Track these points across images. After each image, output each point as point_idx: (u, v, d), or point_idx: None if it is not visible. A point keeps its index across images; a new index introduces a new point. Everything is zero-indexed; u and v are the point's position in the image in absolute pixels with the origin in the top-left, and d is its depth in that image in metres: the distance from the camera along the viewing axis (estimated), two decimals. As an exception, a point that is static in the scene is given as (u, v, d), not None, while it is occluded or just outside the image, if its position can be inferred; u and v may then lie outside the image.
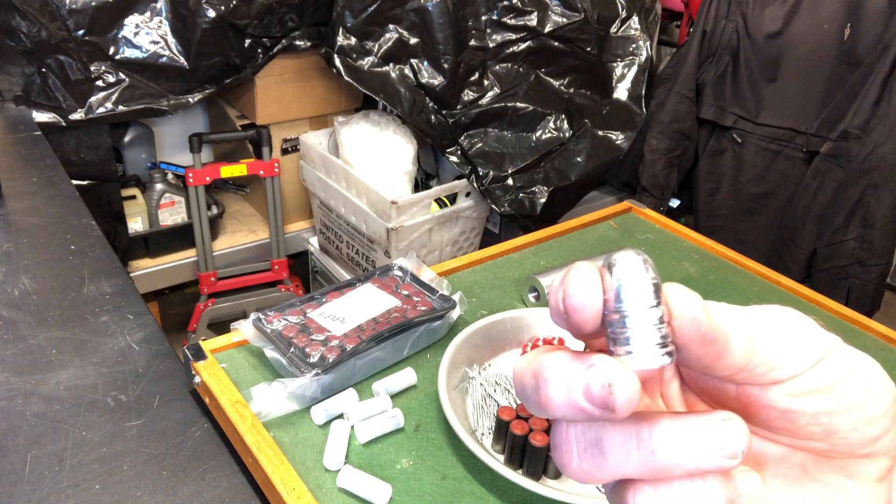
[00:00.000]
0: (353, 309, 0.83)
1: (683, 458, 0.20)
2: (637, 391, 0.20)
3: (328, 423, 0.72)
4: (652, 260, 0.21)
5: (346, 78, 1.78)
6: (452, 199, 1.87)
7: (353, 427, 0.71)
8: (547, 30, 1.92)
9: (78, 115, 1.60)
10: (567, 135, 1.97)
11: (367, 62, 1.81)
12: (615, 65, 2.08)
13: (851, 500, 0.23)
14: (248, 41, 1.78)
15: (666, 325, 0.21)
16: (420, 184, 2.06)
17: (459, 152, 1.86)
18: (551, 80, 2.00)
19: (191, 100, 1.74)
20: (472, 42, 1.86)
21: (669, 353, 0.21)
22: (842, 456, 0.23)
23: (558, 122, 1.97)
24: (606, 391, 0.20)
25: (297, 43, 1.86)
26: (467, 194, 1.87)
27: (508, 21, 1.90)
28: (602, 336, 0.22)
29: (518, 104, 1.92)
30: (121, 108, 1.64)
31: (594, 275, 0.21)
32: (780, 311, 0.23)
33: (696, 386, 0.25)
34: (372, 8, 1.76)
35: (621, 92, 2.08)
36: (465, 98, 1.88)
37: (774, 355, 0.22)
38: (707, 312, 0.21)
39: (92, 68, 1.61)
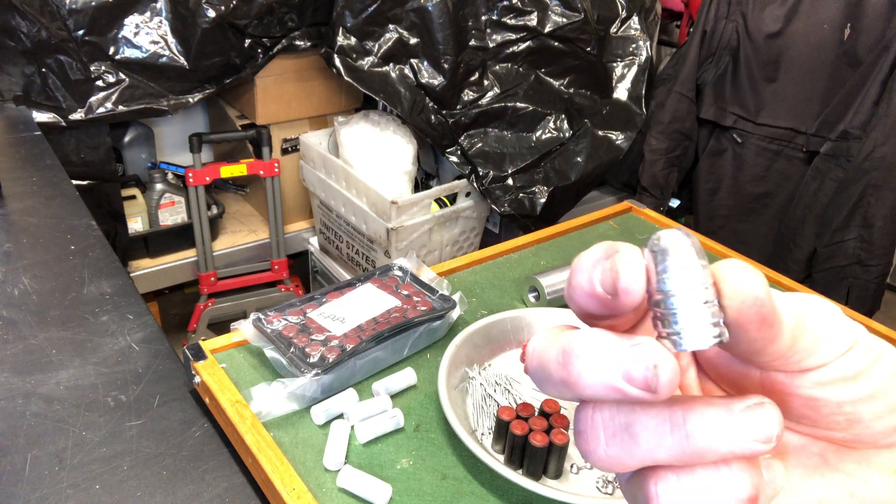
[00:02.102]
0: (353, 309, 0.83)
1: (718, 441, 0.20)
2: (678, 373, 0.19)
3: (328, 423, 0.72)
4: (697, 240, 0.21)
5: (346, 78, 1.78)
6: (452, 199, 1.87)
7: (353, 427, 0.71)
8: (547, 30, 1.92)
9: (78, 115, 1.60)
10: (567, 135, 1.97)
11: (367, 62, 1.81)
12: (615, 65, 2.08)
13: (873, 491, 0.23)
14: (248, 41, 1.78)
15: (715, 304, 0.20)
16: (420, 184, 2.06)
17: (459, 152, 1.86)
18: (551, 80, 2.00)
19: (191, 100, 1.74)
20: (472, 42, 1.86)
21: (720, 334, 0.20)
22: (864, 446, 0.23)
23: (558, 122, 1.97)
24: (651, 372, 0.19)
25: (297, 43, 1.86)
26: (467, 194, 1.87)
27: (508, 21, 1.90)
28: (606, 319, 0.22)
29: (518, 104, 1.92)
30: (121, 108, 1.64)
31: (640, 256, 0.21)
32: (811, 298, 0.23)
33: (715, 373, 0.25)
34: (372, 8, 1.76)
35: (621, 92, 2.08)
36: (465, 98, 1.88)
37: (812, 342, 0.21)
38: (769, 292, 0.20)
39: (92, 68, 1.61)
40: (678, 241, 0.20)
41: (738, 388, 0.24)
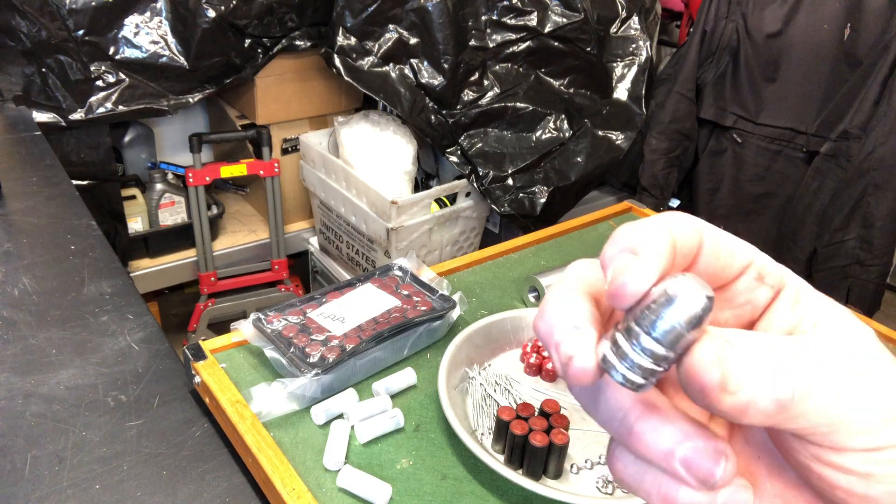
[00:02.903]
0: (353, 309, 0.83)
1: (653, 449, 0.20)
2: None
3: (328, 423, 0.72)
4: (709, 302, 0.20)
5: (346, 78, 1.78)
6: (452, 199, 1.87)
7: (353, 427, 0.71)
8: (547, 30, 1.92)
9: (78, 115, 1.60)
10: (567, 135, 1.97)
11: (367, 62, 1.81)
12: (615, 65, 2.08)
13: None
14: (248, 41, 1.78)
15: (667, 364, 0.20)
16: (420, 184, 2.06)
17: (459, 152, 1.86)
18: (551, 80, 2.00)
19: (191, 100, 1.74)
20: (472, 42, 1.86)
21: (640, 387, 0.20)
22: None
23: (558, 122, 1.97)
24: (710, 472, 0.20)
25: (297, 43, 1.86)
26: (467, 194, 1.86)
27: (508, 21, 1.90)
28: None
29: (518, 104, 1.92)
30: (121, 108, 1.64)
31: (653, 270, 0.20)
32: (847, 341, 0.21)
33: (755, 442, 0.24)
34: (372, 8, 1.76)
35: (621, 92, 2.08)
36: (465, 98, 1.88)
37: (835, 414, 0.19)
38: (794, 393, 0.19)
39: (92, 68, 1.61)
40: (689, 298, 0.20)
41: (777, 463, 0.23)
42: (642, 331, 0.20)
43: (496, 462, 0.65)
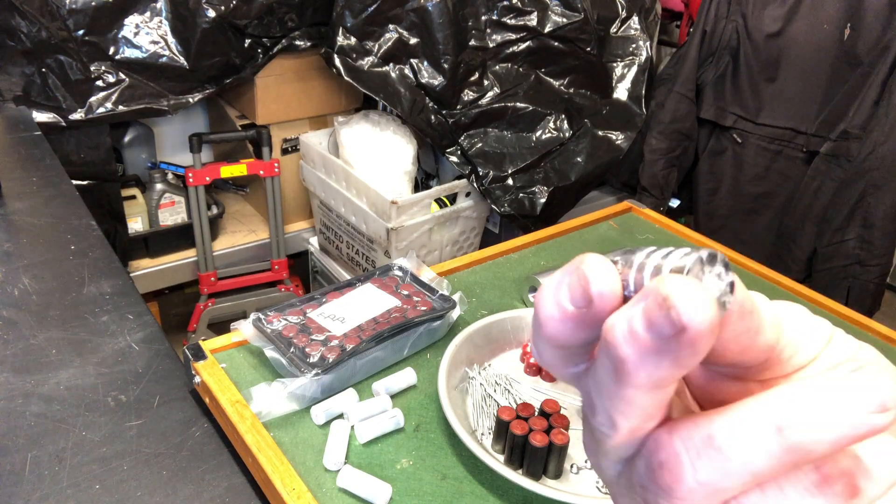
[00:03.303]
0: (353, 309, 0.83)
1: (825, 429, 0.16)
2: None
3: (328, 423, 0.72)
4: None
5: (346, 78, 1.78)
6: (452, 199, 1.87)
7: (353, 427, 0.71)
8: (547, 30, 1.92)
9: (78, 115, 1.60)
10: (567, 135, 1.97)
11: (367, 62, 1.81)
12: (615, 65, 2.08)
13: None
14: (248, 41, 1.78)
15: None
16: (420, 184, 2.06)
17: (459, 152, 1.86)
18: (551, 80, 2.00)
19: (191, 100, 1.74)
20: (472, 42, 1.86)
21: None
22: None
23: (558, 122, 1.97)
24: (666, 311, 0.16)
25: (297, 43, 1.86)
26: (467, 194, 1.87)
27: (508, 21, 1.90)
28: (584, 355, 0.20)
29: (518, 104, 1.92)
30: (121, 108, 1.64)
31: (604, 258, 0.19)
32: (778, 301, 0.22)
33: (706, 398, 0.22)
34: (372, 8, 1.76)
35: (621, 92, 2.08)
36: (465, 98, 1.88)
37: (795, 335, 0.20)
38: (742, 287, 0.19)
39: (92, 68, 1.61)
40: (640, 248, 0.19)
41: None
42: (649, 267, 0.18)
43: (496, 462, 0.65)
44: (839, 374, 0.17)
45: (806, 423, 0.16)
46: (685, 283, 0.16)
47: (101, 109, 1.63)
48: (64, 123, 1.59)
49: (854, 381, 0.16)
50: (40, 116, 1.56)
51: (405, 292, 0.87)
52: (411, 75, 1.83)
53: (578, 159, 1.96)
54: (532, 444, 0.67)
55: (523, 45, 1.92)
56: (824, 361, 0.21)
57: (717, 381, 0.22)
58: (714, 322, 0.16)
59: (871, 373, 0.17)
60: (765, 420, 0.17)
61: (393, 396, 0.76)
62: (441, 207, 1.83)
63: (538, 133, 1.96)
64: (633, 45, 2.07)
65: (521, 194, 1.87)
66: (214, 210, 2.01)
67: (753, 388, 0.21)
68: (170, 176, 1.99)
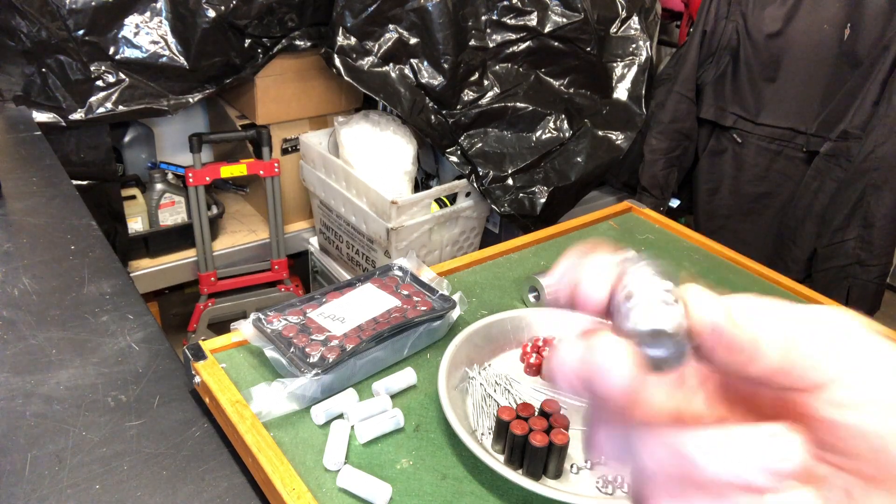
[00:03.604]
0: (353, 309, 0.83)
1: (725, 469, 0.19)
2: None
3: (328, 423, 0.72)
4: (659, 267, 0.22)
5: (346, 78, 1.78)
6: (452, 199, 1.87)
7: (353, 427, 0.71)
8: (547, 30, 1.92)
9: (78, 115, 1.60)
10: (567, 135, 1.97)
11: (367, 62, 1.81)
12: (615, 65, 2.08)
13: None
14: (248, 41, 1.78)
15: (671, 301, 0.21)
16: (420, 184, 2.06)
17: (459, 152, 1.86)
18: (551, 80, 2.00)
19: (191, 100, 1.74)
20: (472, 42, 1.86)
21: (674, 320, 0.20)
22: (892, 483, 0.20)
23: (558, 122, 1.97)
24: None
25: (297, 43, 1.86)
26: (467, 194, 1.87)
27: (508, 21, 1.90)
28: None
29: (518, 104, 1.92)
30: (121, 108, 1.64)
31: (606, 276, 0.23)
32: (832, 312, 0.21)
33: (730, 397, 0.24)
34: (372, 8, 1.76)
35: (621, 92, 2.08)
36: (465, 98, 1.88)
37: (813, 353, 0.20)
38: (732, 319, 0.20)
39: (92, 68, 1.61)
40: (640, 266, 0.22)
41: (754, 411, 0.23)
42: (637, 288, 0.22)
43: (496, 462, 0.65)
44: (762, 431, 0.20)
45: (711, 463, 0.19)
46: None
47: (101, 109, 1.63)
48: (64, 123, 1.59)
49: (770, 445, 0.19)
50: (40, 116, 1.56)
51: (405, 292, 0.87)
52: (411, 75, 1.83)
53: (578, 159, 1.96)
54: (532, 444, 0.67)
55: (523, 45, 1.92)
56: (852, 389, 0.20)
57: (742, 384, 0.24)
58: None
59: (785, 440, 0.19)
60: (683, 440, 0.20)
61: (393, 396, 0.76)
62: (441, 207, 1.83)
63: (538, 133, 1.96)
64: (633, 45, 2.07)
65: (521, 194, 1.87)
66: (214, 210, 2.01)
67: (763, 393, 0.23)
68: (170, 176, 1.99)
